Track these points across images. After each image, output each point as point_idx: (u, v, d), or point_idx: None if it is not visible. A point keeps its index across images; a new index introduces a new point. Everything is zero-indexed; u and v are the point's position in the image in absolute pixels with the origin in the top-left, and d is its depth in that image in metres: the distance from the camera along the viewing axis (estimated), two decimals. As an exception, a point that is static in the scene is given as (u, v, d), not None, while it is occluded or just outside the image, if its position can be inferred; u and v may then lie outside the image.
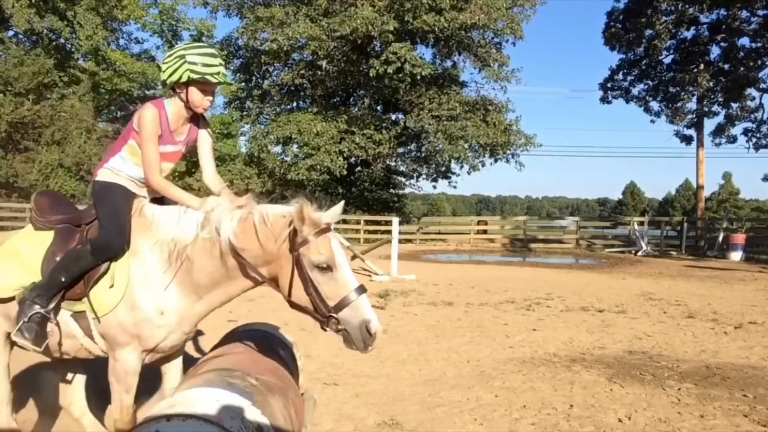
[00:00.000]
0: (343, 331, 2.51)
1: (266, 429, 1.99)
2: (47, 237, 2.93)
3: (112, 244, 2.77)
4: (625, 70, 28.44)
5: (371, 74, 22.66)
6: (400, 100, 25.04)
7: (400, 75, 22.54)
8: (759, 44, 25.07)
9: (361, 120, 24.84)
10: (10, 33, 27.75)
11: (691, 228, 26.09)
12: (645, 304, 9.32)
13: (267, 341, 3.05)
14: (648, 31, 25.89)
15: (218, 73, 2.87)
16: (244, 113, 28.14)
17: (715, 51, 26.87)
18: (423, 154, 27.32)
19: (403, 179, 29.98)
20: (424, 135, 25.40)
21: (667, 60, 27.82)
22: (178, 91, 2.94)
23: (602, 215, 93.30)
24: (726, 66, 26.39)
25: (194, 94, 2.92)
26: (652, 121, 28.88)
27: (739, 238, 20.87)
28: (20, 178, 24.87)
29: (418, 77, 22.57)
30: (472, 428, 3.78)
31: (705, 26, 26.44)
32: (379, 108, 27.54)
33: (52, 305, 2.76)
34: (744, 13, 25.03)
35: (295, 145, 25.52)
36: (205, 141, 3.11)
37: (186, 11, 30.60)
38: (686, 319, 7.98)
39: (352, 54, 24.22)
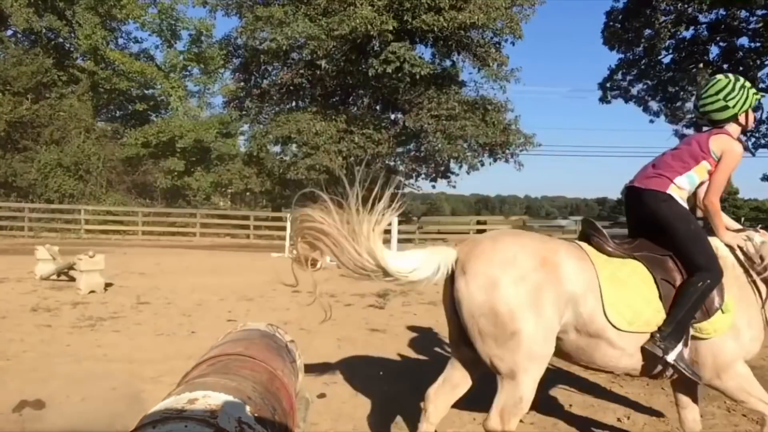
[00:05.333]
0: None
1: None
2: (634, 265, 2.97)
3: (718, 275, 2.90)
4: (624, 70, 28.41)
5: (370, 74, 22.66)
6: (399, 100, 25.02)
7: (399, 74, 22.54)
8: (758, 44, 25.09)
9: (360, 119, 24.83)
10: (9, 32, 27.75)
11: (690, 227, 26.06)
12: (644, 304, 9.28)
13: (265, 340, 3.04)
14: (647, 31, 25.89)
15: None
16: (243, 113, 28.11)
17: (714, 51, 26.93)
18: (422, 154, 27.27)
19: (402, 179, 29.95)
20: (423, 134, 25.37)
21: (666, 60, 27.85)
22: (739, 118, 3.14)
23: (601, 215, 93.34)
24: (725, 66, 26.37)
25: (751, 115, 3.18)
26: (651, 121, 28.90)
27: (738, 237, 20.86)
28: (19, 177, 24.85)
29: (417, 77, 22.57)
30: (471, 428, 3.77)
31: (704, 26, 26.46)
32: (378, 107, 27.51)
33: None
34: (743, 13, 25.06)
35: (294, 145, 25.51)
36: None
37: (185, 10, 30.53)
38: (685, 319, 7.96)
39: (351, 53, 24.20)
